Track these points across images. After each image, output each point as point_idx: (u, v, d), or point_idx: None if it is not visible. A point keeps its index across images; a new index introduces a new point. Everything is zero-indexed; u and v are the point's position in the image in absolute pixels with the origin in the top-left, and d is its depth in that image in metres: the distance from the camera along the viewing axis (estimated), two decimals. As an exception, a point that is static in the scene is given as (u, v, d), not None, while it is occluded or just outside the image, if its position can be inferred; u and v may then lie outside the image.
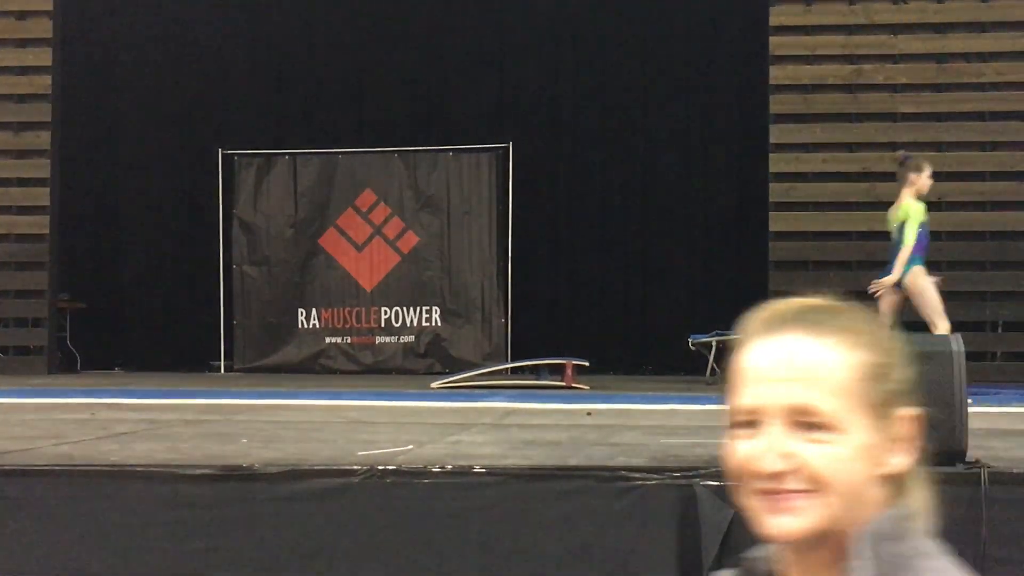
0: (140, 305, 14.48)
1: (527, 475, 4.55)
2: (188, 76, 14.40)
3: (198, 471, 4.47)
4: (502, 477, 4.52)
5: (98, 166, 14.41)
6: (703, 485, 4.47)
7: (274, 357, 13.34)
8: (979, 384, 9.12)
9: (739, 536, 4.46)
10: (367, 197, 13.46)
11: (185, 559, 4.41)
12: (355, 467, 4.52)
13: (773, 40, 12.33)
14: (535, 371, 11.79)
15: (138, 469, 4.52)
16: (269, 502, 4.42)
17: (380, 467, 4.51)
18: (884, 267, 9.43)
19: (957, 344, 4.64)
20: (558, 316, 14.00)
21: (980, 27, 12.20)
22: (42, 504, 4.41)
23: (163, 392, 9.47)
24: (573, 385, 10.72)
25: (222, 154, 13.54)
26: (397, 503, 4.48)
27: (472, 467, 4.57)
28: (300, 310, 13.43)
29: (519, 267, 13.24)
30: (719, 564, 4.44)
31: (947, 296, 12.09)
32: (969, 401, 5.04)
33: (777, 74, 12.34)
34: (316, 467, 4.54)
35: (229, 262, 13.50)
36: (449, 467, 4.57)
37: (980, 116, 12.14)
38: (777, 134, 12.30)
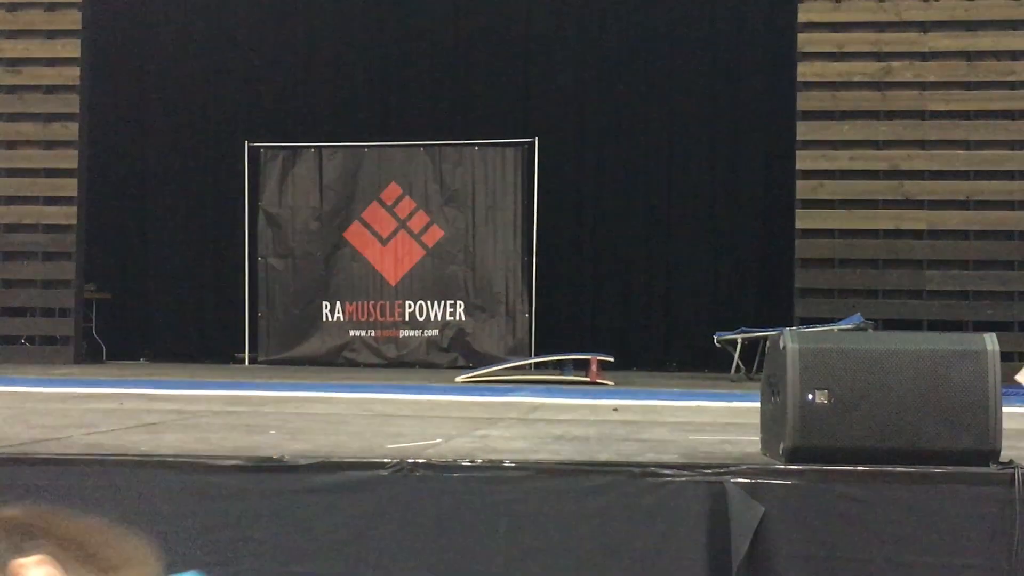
0: (166, 296, 14.54)
1: (558, 470, 4.54)
2: (216, 68, 14.44)
3: (229, 462, 4.48)
4: (532, 471, 4.51)
5: (125, 157, 14.47)
6: (733, 482, 4.45)
7: (298, 349, 13.36)
8: (1007, 384, 9.05)
9: (769, 534, 4.44)
10: (392, 191, 13.46)
11: (215, 549, 4.42)
12: (385, 460, 4.52)
13: (801, 36, 12.28)
14: (559, 366, 11.77)
15: (169, 459, 4.53)
16: (299, 493, 4.43)
17: (410, 460, 4.51)
18: None
19: (992, 344, 4.61)
20: (582, 311, 13.98)
21: (1011, 25, 12.12)
22: (75, 493, 4.42)
23: (190, 383, 9.51)
24: (598, 381, 10.70)
25: (248, 146, 13.57)
26: (427, 496, 4.47)
27: (502, 461, 4.56)
28: (324, 303, 13.45)
29: (543, 262, 13.23)
30: (749, 562, 4.43)
31: (976, 296, 12.07)
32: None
33: (805, 71, 12.29)
34: (346, 459, 4.54)
35: (254, 254, 13.54)
36: (479, 461, 4.56)
37: (1010, 115, 12.06)
38: (804, 131, 12.24)
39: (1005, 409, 4.67)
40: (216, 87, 14.45)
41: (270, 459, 4.52)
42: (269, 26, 14.37)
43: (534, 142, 13.21)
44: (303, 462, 4.47)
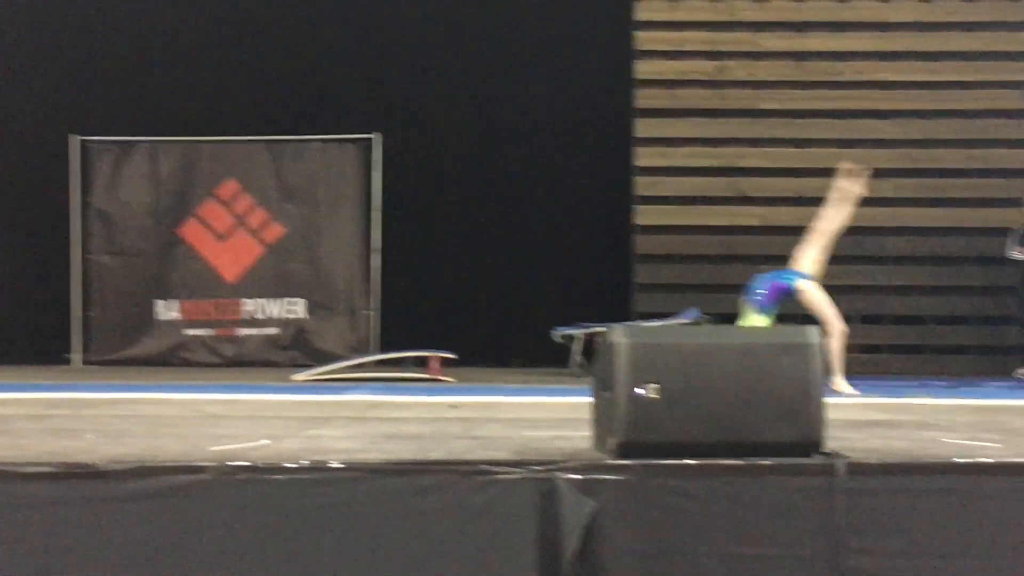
0: (-11, 296, 13.94)
1: (387, 470, 4.45)
2: (41, 59, 13.89)
3: (37, 469, 4.26)
4: (361, 472, 4.42)
5: (-56, 151, 13.81)
6: (564, 479, 4.43)
7: (131, 350, 13.00)
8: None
9: (600, 530, 4.43)
10: (230, 187, 13.21)
11: (24, 562, 4.20)
12: (206, 463, 4.36)
13: (639, 35, 12.45)
14: (401, 364, 11.68)
15: (-27, 468, 4.30)
16: (113, 501, 4.25)
17: (232, 463, 4.36)
18: None
19: (815, 336, 4.69)
20: (425, 308, 13.87)
21: (837, 27, 12.49)
22: None
23: (10, 386, 9.11)
24: (439, 378, 10.65)
25: (77, 140, 13.13)
26: (250, 500, 4.34)
27: (328, 462, 4.45)
28: (159, 301, 13.10)
29: (386, 259, 13.12)
30: (579, 558, 4.41)
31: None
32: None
33: (642, 69, 12.45)
34: (164, 464, 4.37)
35: (85, 252, 13.11)
36: (305, 462, 4.44)
37: (838, 114, 12.43)
38: (642, 128, 12.42)
39: (831, 400, 4.75)
40: (41, 78, 13.89)
41: (82, 465, 4.32)
42: (97, 14, 13.89)
43: (376, 138, 13.08)
44: (117, 468, 4.28)
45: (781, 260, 12.36)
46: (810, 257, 8.35)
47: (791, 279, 7.97)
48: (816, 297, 8.40)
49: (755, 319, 7.64)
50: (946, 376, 11.31)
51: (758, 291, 7.78)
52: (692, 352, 4.66)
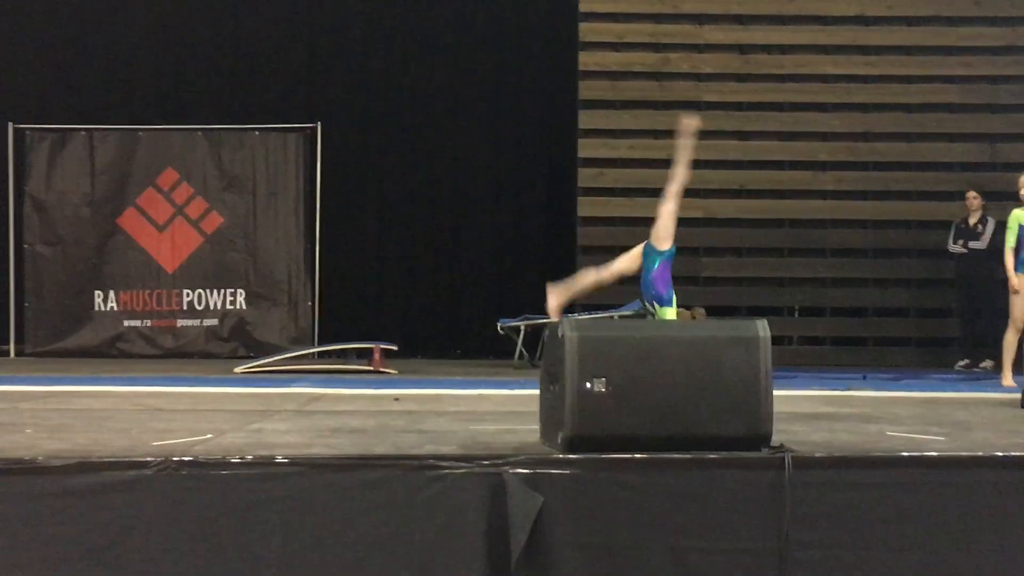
0: (-79, 286, 13.64)
1: (331, 465, 4.39)
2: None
3: (-26, 465, 4.17)
4: (305, 467, 4.36)
5: None
6: (512, 473, 4.40)
7: (69, 341, 12.80)
8: (777, 368, 9.35)
9: (548, 524, 4.41)
10: (169, 176, 13.03)
11: (-40, 560, 4.11)
12: (149, 458, 4.28)
13: (583, 26, 12.43)
14: (343, 355, 11.60)
15: (-93, 464, 4.19)
16: (54, 497, 4.16)
17: (175, 458, 4.29)
18: None
19: (763, 330, 4.69)
20: (367, 299, 13.80)
21: (780, 20, 12.55)
22: None
23: (-56, 379, 8.92)
24: (381, 370, 10.58)
25: (13, 128, 12.89)
26: (194, 496, 4.27)
27: (274, 457, 4.39)
28: (97, 292, 12.91)
29: (327, 250, 13.01)
30: (528, 553, 4.38)
31: (749, 282, 12.47)
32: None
33: (586, 60, 12.45)
34: (106, 459, 4.29)
35: (21, 241, 12.88)
36: (249, 457, 4.38)
37: (779, 107, 12.49)
38: (586, 120, 12.41)
39: (776, 393, 4.75)
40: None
41: (21, 460, 4.22)
42: (32, 1, 13.62)
43: (317, 127, 12.96)
44: (57, 463, 4.19)
45: (722, 252, 12.48)
46: (632, 256, 8.00)
47: (656, 253, 7.64)
48: (660, 223, 7.87)
49: (666, 312, 7.58)
50: (888, 368, 11.43)
51: (651, 288, 7.65)
52: (640, 346, 4.64)
